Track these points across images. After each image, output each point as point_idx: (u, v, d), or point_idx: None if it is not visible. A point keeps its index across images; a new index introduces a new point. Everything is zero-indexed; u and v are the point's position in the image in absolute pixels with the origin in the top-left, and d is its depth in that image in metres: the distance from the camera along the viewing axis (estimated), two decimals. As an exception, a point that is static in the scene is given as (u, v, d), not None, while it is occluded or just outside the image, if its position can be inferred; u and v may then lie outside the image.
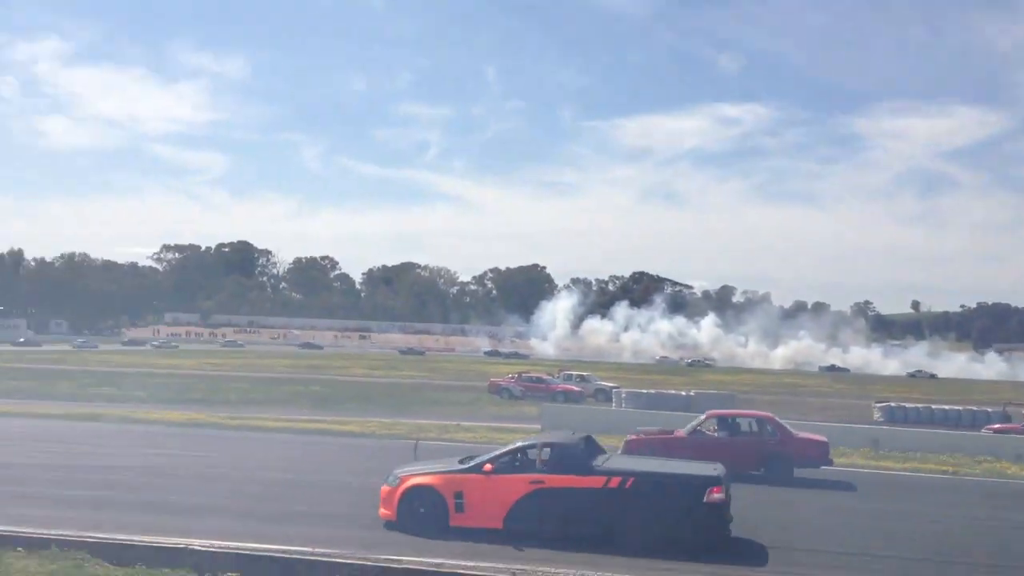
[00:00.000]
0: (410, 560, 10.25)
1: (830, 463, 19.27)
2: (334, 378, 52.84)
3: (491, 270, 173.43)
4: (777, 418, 20.82)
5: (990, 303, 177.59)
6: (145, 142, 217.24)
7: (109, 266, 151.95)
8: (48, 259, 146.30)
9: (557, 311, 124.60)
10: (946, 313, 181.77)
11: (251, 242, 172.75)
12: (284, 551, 10.27)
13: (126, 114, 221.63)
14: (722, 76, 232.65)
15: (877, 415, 37.94)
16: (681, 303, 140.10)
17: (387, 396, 40.93)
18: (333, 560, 10.12)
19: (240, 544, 10.52)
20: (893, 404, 39.57)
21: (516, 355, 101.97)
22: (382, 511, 12.78)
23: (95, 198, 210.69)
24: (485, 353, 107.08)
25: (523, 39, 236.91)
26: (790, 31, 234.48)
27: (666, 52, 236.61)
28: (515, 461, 12.76)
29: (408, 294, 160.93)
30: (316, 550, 10.55)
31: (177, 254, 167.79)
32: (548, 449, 12.69)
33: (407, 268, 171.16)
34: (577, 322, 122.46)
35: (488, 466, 12.56)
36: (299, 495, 14.39)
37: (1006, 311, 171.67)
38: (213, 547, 10.35)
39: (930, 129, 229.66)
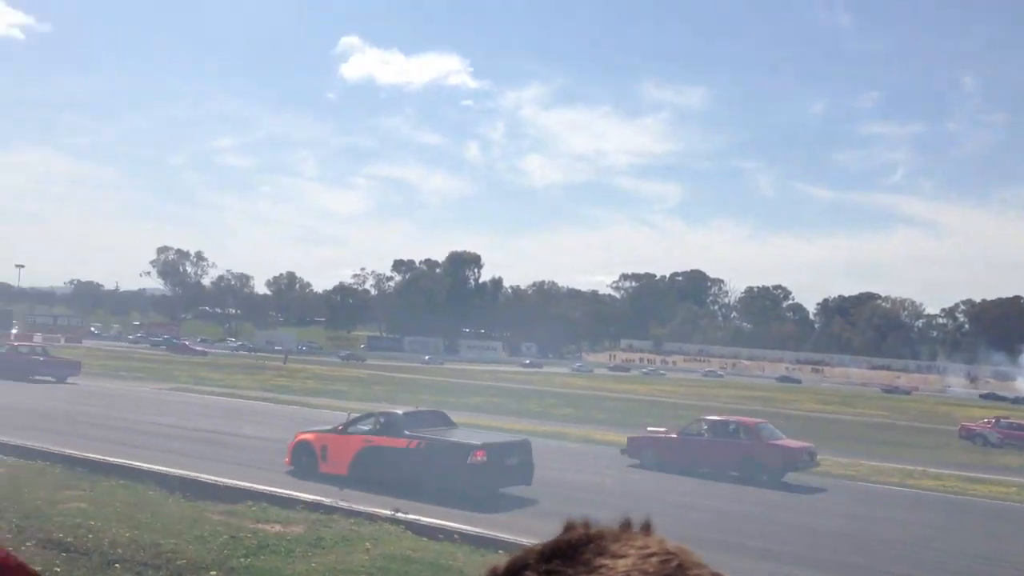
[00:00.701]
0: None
1: (794, 469, 21.08)
2: (782, 411, 51.63)
3: (963, 302, 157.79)
4: (759, 424, 22.74)
5: None
6: (609, 175, 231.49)
7: (573, 294, 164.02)
8: (522, 287, 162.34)
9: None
10: None
11: (703, 270, 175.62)
12: None
13: (593, 149, 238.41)
14: None
15: None
16: None
17: (841, 435, 38.96)
18: None
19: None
20: None
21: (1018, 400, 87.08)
22: (285, 460, 17.10)
23: (563, 229, 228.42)
24: (981, 396, 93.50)
25: (1012, 44, 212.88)
26: None
27: None
28: (361, 425, 16.94)
29: (866, 326, 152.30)
30: None
31: (634, 282, 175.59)
32: (381, 417, 16.98)
33: (865, 299, 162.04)
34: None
35: (340, 427, 17.10)
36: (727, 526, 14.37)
37: None
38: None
39: None
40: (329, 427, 17.60)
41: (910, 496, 20.66)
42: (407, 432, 16.15)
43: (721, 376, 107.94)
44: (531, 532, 11.86)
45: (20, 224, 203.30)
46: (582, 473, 20.02)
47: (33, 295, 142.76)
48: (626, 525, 0.73)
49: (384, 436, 16.28)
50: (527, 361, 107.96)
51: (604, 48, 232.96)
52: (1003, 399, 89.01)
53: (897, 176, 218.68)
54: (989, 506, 19.93)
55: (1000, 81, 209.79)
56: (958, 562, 13.60)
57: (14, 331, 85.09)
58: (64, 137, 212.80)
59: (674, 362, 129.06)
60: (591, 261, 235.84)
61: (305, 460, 16.87)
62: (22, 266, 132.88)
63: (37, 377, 37.07)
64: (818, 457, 22.25)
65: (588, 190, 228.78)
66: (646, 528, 0.73)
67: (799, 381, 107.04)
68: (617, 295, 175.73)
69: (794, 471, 21.18)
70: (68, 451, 15.94)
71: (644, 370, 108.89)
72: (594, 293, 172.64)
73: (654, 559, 0.69)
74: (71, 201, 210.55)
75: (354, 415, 18.01)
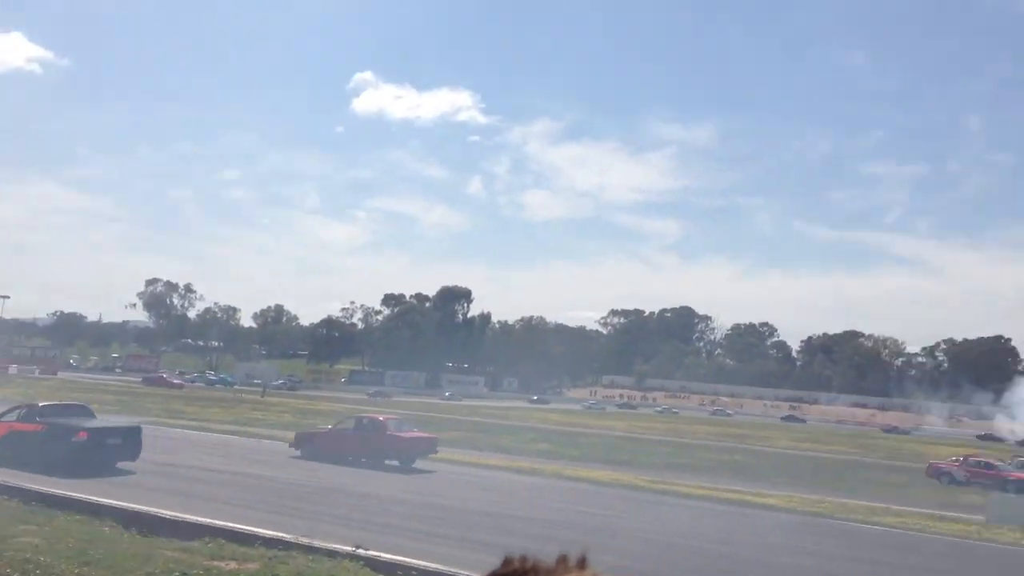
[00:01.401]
0: None
1: (419, 456, 25.82)
2: (757, 448, 52.00)
3: (944, 341, 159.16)
4: (387, 420, 27.14)
5: None
6: (609, 211, 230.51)
7: (560, 329, 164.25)
8: (510, 322, 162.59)
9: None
10: None
11: (692, 307, 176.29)
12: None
13: (596, 185, 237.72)
14: None
15: None
16: None
17: (813, 471, 39.33)
18: None
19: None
20: None
21: None
22: None
23: (558, 265, 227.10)
24: (978, 437, 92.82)
25: (1020, 84, 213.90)
26: None
27: None
28: (10, 415, 20.77)
29: (847, 364, 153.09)
30: None
31: (622, 318, 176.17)
32: (24, 408, 21.29)
33: (849, 337, 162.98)
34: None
35: None
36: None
37: None
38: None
39: None
40: None
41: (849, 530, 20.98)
42: (39, 419, 20.43)
43: (730, 415, 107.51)
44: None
45: (7, 255, 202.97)
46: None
47: (14, 326, 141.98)
48: (562, 559, 0.74)
49: (24, 423, 20.52)
50: (534, 398, 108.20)
51: (615, 84, 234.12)
52: (1000, 440, 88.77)
53: (893, 215, 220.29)
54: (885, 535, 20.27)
55: (1007, 123, 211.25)
56: None
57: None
58: (70, 170, 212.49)
59: (654, 399, 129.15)
60: (583, 297, 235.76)
61: None
62: (7, 297, 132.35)
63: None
64: (438, 447, 26.98)
65: (587, 226, 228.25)
66: (581, 563, 0.74)
67: (804, 420, 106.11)
68: (604, 331, 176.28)
69: (420, 458, 25.77)
70: (26, 484, 16.04)
71: (658, 408, 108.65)
72: (581, 329, 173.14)
73: None
74: (66, 233, 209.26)
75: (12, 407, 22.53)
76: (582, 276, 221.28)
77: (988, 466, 38.77)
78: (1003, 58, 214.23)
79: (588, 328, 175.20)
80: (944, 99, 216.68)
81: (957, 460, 40.42)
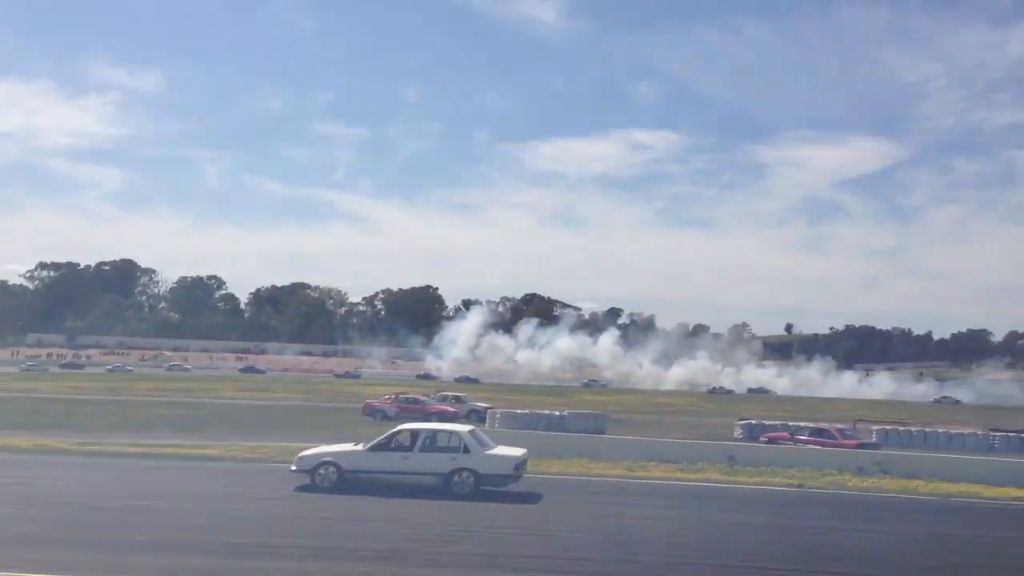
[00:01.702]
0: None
1: None
2: (202, 401, 51.05)
3: (383, 291, 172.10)
4: None
5: (857, 326, 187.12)
6: (40, 156, 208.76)
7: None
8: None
9: (460, 331, 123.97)
10: (815, 335, 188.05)
11: (135, 260, 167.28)
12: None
13: (23, 127, 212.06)
14: (639, 103, 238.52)
15: (737, 432, 38.89)
16: (574, 325, 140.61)
17: (257, 419, 39.63)
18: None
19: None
20: (753, 422, 40.69)
21: (467, 379, 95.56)
22: None
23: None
24: (418, 376, 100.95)
25: (449, 62, 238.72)
26: (709, 61, 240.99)
27: (587, 78, 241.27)
28: None
29: (294, 314, 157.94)
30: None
31: (53, 272, 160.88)
32: None
33: (297, 288, 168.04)
34: (478, 342, 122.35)
35: None
36: (134, 522, 13.57)
37: (871, 334, 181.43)
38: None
39: (829, 159, 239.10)
40: None
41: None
42: None
43: (188, 370, 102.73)
44: None
45: None
46: None
47: None
48: None
49: None
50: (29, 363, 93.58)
51: (47, 19, 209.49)
52: (431, 377, 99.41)
53: (339, 174, 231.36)
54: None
55: (438, 95, 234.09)
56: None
57: None
58: None
59: (88, 356, 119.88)
60: (6, 249, 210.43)
61: None
62: None
63: None
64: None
65: (12, 171, 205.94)
66: None
67: (263, 371, 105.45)
68: (31, 286, 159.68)
69: None
70: None
71: (109, 367, 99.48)
72: (3, 283, 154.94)
73: None
74: None
75: None
76: (5, 226, 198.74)
77: (415, 401, 42.63)
78: (438, 37, 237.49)
79: (11, 283, 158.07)
80: (386, 69, 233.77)
81: (389, 398, 43.75)
